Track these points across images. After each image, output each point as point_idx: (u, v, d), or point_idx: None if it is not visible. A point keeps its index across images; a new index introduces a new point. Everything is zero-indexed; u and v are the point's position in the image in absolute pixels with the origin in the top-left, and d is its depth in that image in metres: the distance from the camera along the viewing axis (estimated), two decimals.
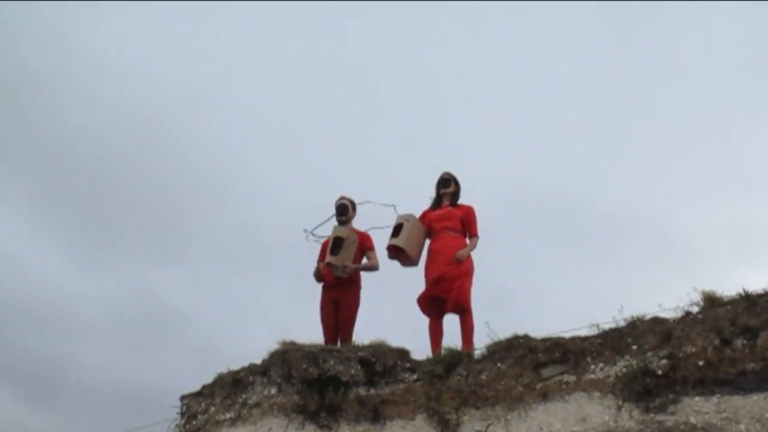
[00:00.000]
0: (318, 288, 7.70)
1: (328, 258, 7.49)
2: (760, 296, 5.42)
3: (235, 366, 6.81)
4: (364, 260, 7.68)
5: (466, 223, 7.43)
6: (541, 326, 6.15)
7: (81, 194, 22.02)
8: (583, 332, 5.94)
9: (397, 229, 7.50)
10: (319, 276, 7.68)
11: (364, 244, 7.68)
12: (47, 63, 22.00)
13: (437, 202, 7.62)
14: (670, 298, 5.83)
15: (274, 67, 24.17)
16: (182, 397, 7.08)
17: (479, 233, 7.42)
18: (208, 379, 6.96)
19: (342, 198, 7.89)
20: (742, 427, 5.07)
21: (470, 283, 7.17)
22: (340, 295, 7.48)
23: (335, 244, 7.54)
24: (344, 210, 7.82)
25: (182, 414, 6.96)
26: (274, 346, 6.63)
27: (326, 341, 7.25)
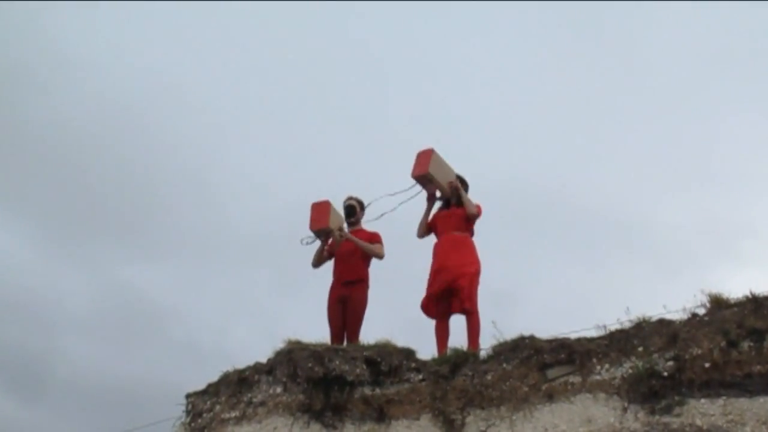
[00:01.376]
0: (324, 286, 7.71)
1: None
2: (766, 298, 5.41)
3: (241, 365, 6.83)
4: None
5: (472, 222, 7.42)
6: (547, 327, 6.15)
7: (56, 187, 22.04)
8: (589, 333, 5.94)
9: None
10: (320, 258, 7.73)
11: (372, 240, 7.69)
12: (20, 56, 21.95)
13: (447, 203, 7.58)
14: (677, 299, 5.84)
15: (254, 62, 24.26)
16: (188, 395, 7.08)
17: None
18: (213, 377, 6.98)
19: (349, 198, 7.88)
20: (748, 429, 5.06)
21: (477, 284, 7.16)
22: (347, 293, 7.48)
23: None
24: (352, 211, 7.83)
25: (187, 412, 6.97)
26: (279, 344, 6.66)
27: (333, 340, 7.26)
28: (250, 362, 6.78)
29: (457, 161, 7.58)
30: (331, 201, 7.85)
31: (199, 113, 23.25)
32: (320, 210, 7.77)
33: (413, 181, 7.52)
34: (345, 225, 7.78)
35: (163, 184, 22.42)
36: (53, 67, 22.09)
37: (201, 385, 7.02)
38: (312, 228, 7.75)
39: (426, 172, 7.32)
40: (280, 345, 6.66)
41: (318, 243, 7.77)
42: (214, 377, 6.95)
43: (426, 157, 7.35)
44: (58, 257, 22.17)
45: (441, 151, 7.43)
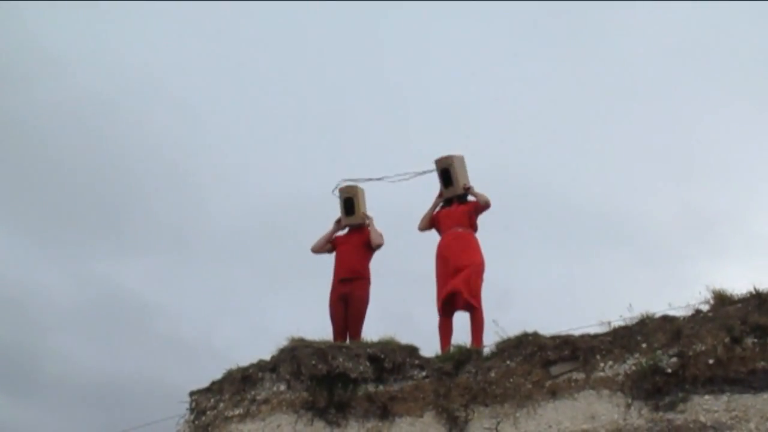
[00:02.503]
0: (326, 283, 7.72)
1: (346, 221, 7.83)
2: None
3: (244, 362, 6.84)
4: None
5: (473, 213, 7.44)
6: (551, 324, 6.15)
7: (36, 182, 21.96)
8: (593, 330, 5.94)
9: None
10: (322, 246, 7.86)
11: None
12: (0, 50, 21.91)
13: (448, 202, 7.62)
14: (681, 296, 5.84)
15: (234, 57, 24.21)
16: (191, 393, 7.09)
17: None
18: (217, 375, 6.99)
19: (346, 190, 7.95)
20: (752, 425, 5.07)
21: (481, 281, 7.15)
22: (349, 291, 7.49)
23: (347, 206, 7.84)
24: (350, 204, 7.89)
25: (191, 410, 6.98)
26: (283, 342, 6.67)
27: (335, 338, 7.26)
28: (253, 360, 6.80)
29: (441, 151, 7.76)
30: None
31: (179, 108, 23.23)
32: (359, 194, 7.95)
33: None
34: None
35: (143, 178, 22.45)
36: (32, 61, 21.90)
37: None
38: (347, 194, 7.92)
39: (450, 157, 7.62)
40: (283, 342, 6.67)
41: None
42: (217, 375, 6.97)
43: (455, 157, 7.65)
44: (38, 250, 22.15)
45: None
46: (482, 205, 7.44)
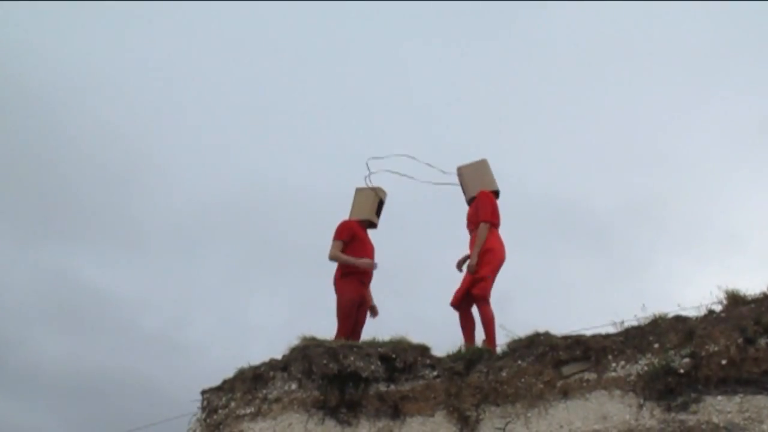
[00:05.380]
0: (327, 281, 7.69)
1: (376, 220, 7.78)
2: None
3: (256, 361, 6.86)
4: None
5: (478, 215, 7.37)
6: (563, 324, 6.14)
7: None
8: (605, 330, 5.92)
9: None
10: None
11: None
12: None
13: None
14: (693, 296, 5.81)
15: (179, 53, 24.43)
16: (203, 392, 7.12)
17: (488, 217, 7.28)
18: (228, 373, 7.01)
19: (381, 191, 7.90)
20: (765, 427, 5.03)
21: (489, 270, 7.09)
22: (366, 293, 7.56)
23: (379, 208, 7.85)
24: (381, 207, 7.90)
25: (203, 408, 7.00)
26: (294, 341, 6.68)
27: (346, 336, 7.24)
28: (265, 359, 6.82)
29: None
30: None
31: (126, 107, 23.50)
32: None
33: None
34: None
35: (88, 173, 22.72)
36: None
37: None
38: (382, 195, 7.87)
39: (459, 167, 7.66)
40: (294, 341, 6.69)
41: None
42: (229, 373, 6.99)
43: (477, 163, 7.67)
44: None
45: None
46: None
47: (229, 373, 6.96)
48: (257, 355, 6.83)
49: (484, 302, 6.97)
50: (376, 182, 7.93)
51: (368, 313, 7.61)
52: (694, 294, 5.89)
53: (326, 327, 7.24)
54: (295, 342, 6.66)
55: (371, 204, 7.76)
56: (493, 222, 7.29)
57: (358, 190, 7.89)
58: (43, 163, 21.96)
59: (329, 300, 7.46)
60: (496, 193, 7.51)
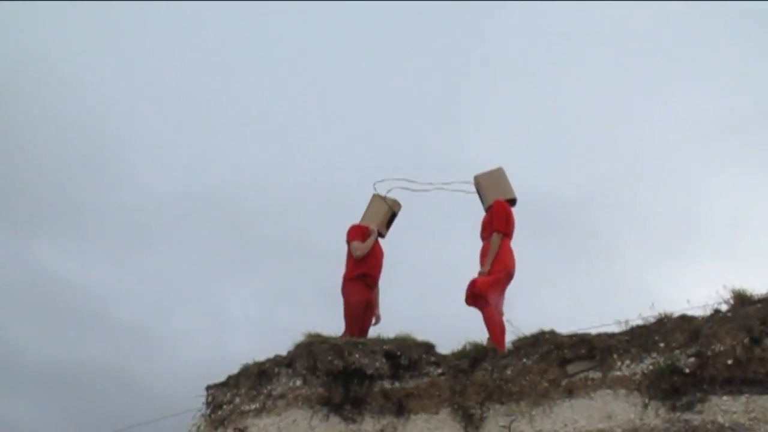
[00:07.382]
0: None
1: (385, 232, 7.90)
2: None
3: (261, 357, 6.86)
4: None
5: (492, 224, 7.37)
6: (568, 322, 6.13)
7: None
8: (610, 329, 5.91)
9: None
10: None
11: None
12: None
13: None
14: (699, 295, 5.79)
15: (149, 44, 24.55)
16: (208, 387, 7.13)
17: (501, 227, 7.27)
18: (234, 369, 7.02)
19: (397, 204, 8.03)
20: None
21: (491, 270, 7.07)
22: (371, 298, 7.61)
23: (391, 219, 7.97)
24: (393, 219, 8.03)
25: (208, 404, 7.02)
26: (299, 338, 6.68)
27: (353, 335, 7.24)
28: (270, 355, 6.83)
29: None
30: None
31: (91, 98, 23.45)
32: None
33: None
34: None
35: (62, 164, 22.73)
36: None
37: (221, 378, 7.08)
38: (397, 209, 7.99)
39: (476, 176, 7.69)
40: (299, 338, 6.69)
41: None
42: (234, 369, 7.00)
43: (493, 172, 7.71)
44: None
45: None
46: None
47: (232, 370, 6.99)
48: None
49: (484, 302, 6.95)
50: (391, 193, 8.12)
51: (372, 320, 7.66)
52: (701, 294, 5.83)
53: (326, 326, 7.28)
54: (300, 338, 6.67)
55: (383, 216, 7.93)
56: (506, 232, 7.31)
57: (374, 198, 8.02)
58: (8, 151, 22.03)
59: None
60: (513, 201, 7.52)
